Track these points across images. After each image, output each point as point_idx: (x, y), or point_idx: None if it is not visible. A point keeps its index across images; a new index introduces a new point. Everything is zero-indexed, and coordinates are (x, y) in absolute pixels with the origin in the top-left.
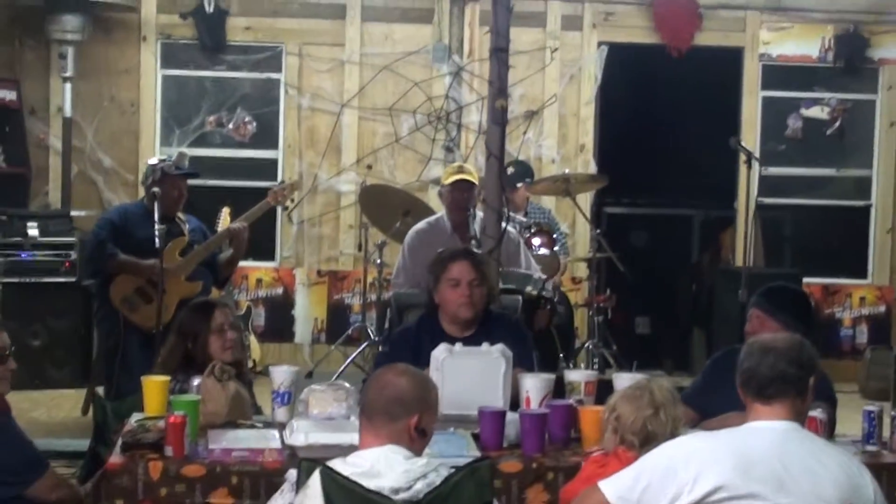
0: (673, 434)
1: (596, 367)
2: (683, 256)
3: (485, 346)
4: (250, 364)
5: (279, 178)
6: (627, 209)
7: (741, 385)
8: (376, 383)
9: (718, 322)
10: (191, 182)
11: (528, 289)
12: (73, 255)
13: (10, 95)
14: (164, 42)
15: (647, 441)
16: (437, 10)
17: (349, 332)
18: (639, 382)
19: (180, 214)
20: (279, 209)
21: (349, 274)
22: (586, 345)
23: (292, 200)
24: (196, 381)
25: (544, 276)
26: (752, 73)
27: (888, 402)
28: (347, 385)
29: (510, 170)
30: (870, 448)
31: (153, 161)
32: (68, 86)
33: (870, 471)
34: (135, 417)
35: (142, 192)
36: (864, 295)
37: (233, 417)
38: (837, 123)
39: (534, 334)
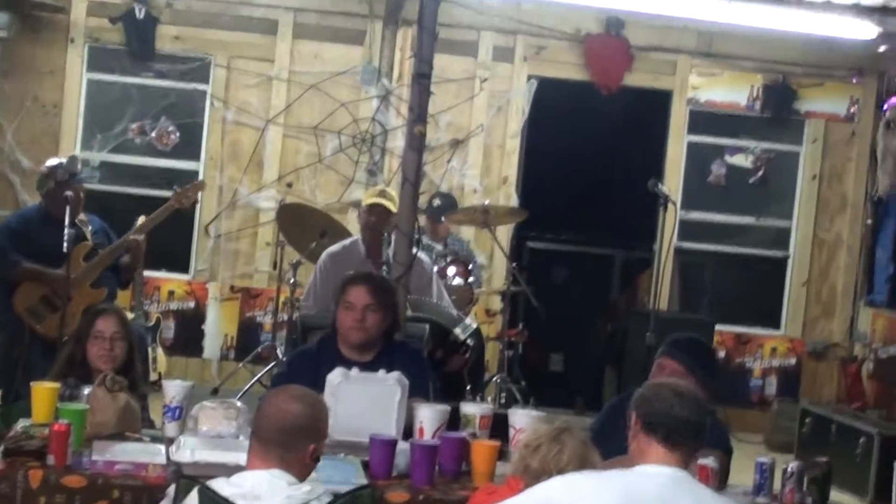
0: None
1: (503, 401)
2: (602, 295)
3: (381, 372)
4: (155, 377)
5: None
6: (550, 245)
7: (646, 425)
8: (269, 409)
9: (630, 363)
10: (109, 188)
11: (457, 331)
12: None
13: None
14: (92, 45)
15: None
16: (368, 31)
17: (258, 350)
18: (559, 424)
19: (82, 215)
20: (197, 222)
21: (262, 291)
22: (494, 378)
23: (195, 202)
24: (87, 391)
25: (475, 325)
26: (679, 117)
27: (792, 454)
28: (239, 403)
29: (437, 202)
30: (760, 500)
31: (43, 169)
32: None
33: None
34: (21, 423)
35: None
36: (775, 346)
37: (121, 429)
38: (760, 172)
39: (444, 374)
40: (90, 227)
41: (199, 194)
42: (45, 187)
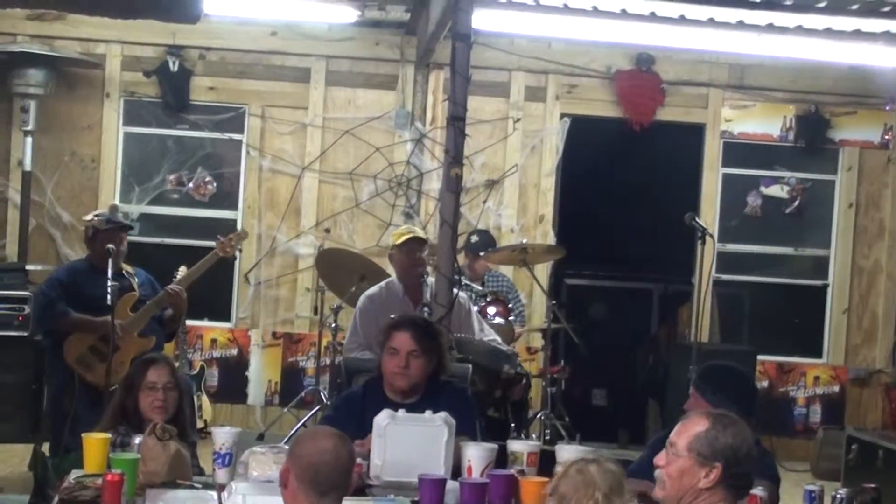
0: None
1: (548, 437)
2: (642, 329)
3: (427, 413)
4: (201, 425)
5: None
6: (588, 281)
7: (732, 480)
8: (320, 457)
9: (672, 395)
10: (148, 240)
11: (506, 368)
12: (27, 309)
13: None
14: (128, 99)
15: None
16: (401, 76)
17: (302, 395)
18: (582, 466)
19: (128, 268)
20: (237, 271)
21: (304, 337)
22: (538, 415)
23: (240, 250)
24: (138, 440)
25: (514, 350)
26: (712, 150)
27: (838, 482)
28: (288, 448)
29: (474, 238)
30: None
31: (87, 218)
32: (29, 140)
33: None
34: (74, 474)
35: None
36: (818, 374)
37: (172, 477)
38: (797, 202)
39: (511, 406)
40: (136, 280)
41: (242, 244)
42: (87, 237)
